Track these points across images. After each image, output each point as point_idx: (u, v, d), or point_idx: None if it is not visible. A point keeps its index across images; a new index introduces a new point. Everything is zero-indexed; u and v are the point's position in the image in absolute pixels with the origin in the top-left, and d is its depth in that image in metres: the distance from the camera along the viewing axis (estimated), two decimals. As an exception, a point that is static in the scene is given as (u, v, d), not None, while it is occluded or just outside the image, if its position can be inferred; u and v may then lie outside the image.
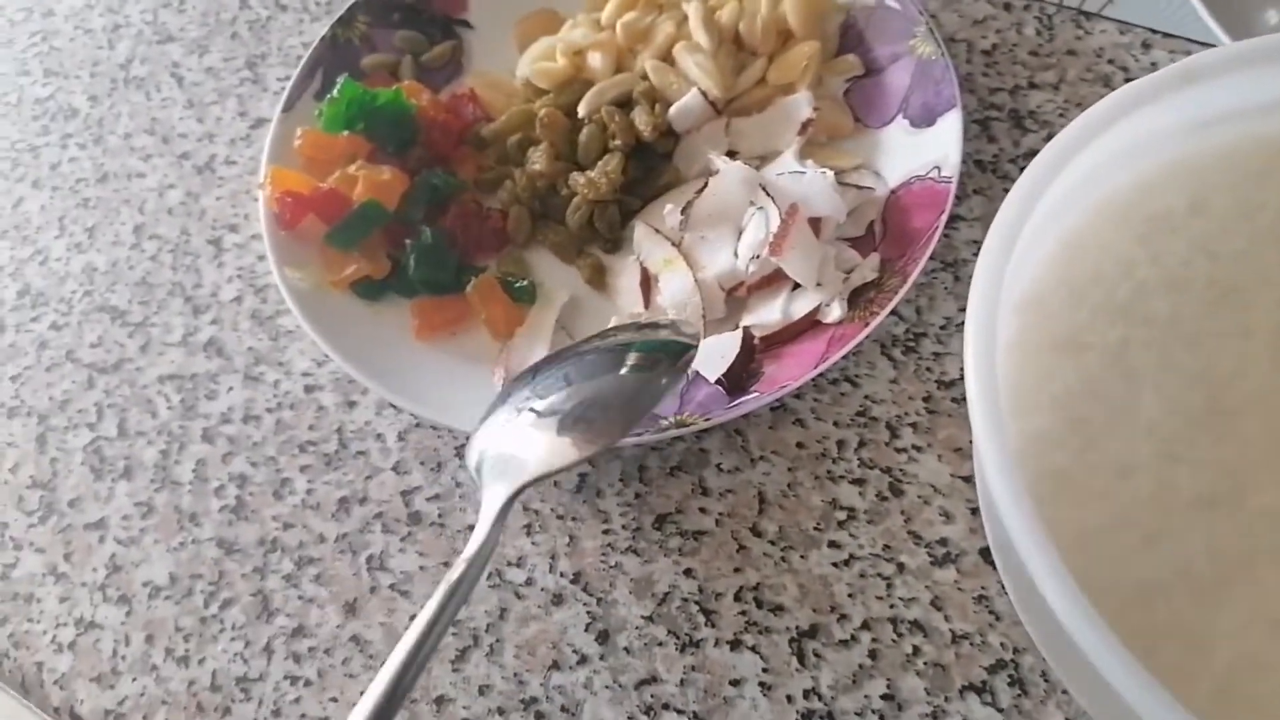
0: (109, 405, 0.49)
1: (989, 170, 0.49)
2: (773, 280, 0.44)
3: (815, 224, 0.44)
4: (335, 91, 0.49)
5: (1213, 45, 0.51)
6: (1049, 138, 0.50)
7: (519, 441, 0.39)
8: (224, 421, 0.48)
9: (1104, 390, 0.34)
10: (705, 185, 0.45)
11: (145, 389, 0.50)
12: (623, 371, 0.39)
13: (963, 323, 0.46)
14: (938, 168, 0.45)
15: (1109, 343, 0.35)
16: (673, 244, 0.46)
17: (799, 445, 0.44)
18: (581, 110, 0.49)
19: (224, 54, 0.60)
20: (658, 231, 0.46)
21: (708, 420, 0.41)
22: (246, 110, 0.57)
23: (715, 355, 0.42)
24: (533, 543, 0.43)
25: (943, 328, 0.46)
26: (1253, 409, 0.33)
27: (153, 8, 0.62)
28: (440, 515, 0.44)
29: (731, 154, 0.49)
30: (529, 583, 0.43)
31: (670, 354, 0.40)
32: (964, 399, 0.44)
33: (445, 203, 0.49)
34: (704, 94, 0.48)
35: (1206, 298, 0.35)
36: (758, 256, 0.43)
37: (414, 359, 0.46)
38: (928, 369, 0.45)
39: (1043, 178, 0.35)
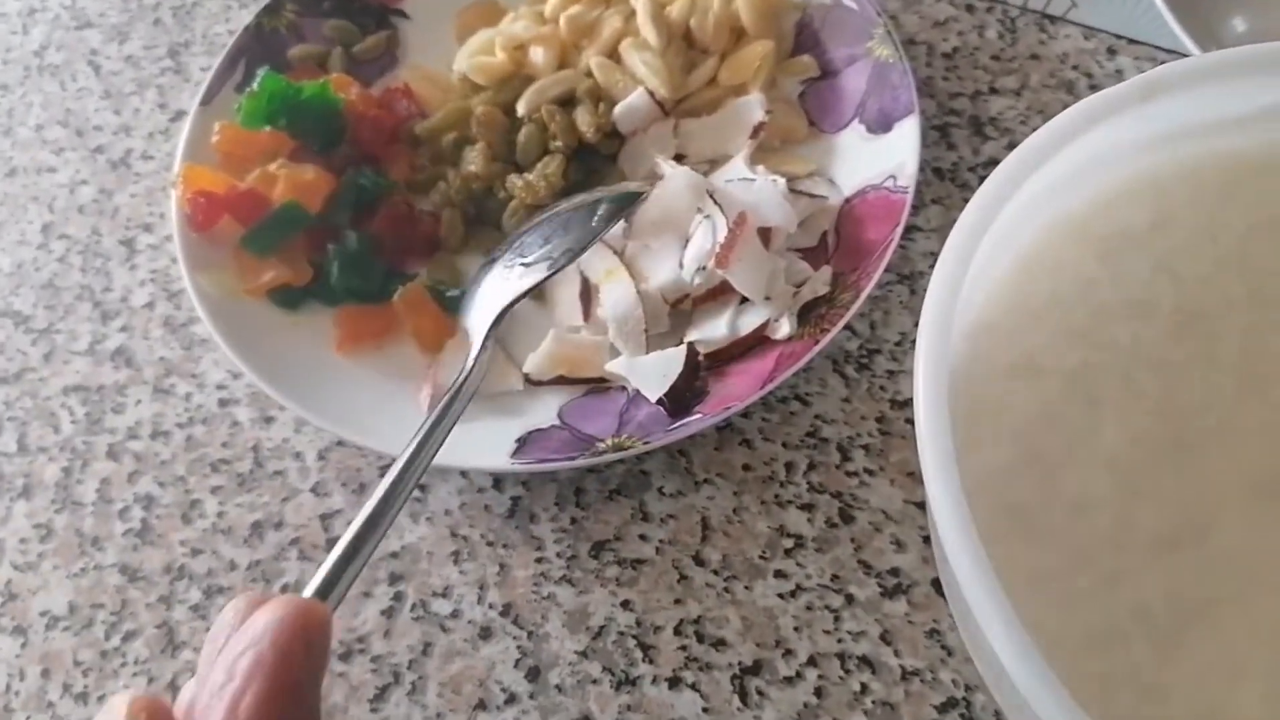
0: (9, 418, 0.46)
1: (947, 179, 0.47)
2: (719, 293, 0.42)
3: (765, 234, 0.42)
4: (255, 84, 0.46)
5: (1179, 53, 0.50)
6: (1010, 145, 0.48)
7: (509, 288, 0.41)
8: (131, 437, 0.45)
9: (1062, 419, 0.32)
10: (650, 189, 0.43)
11: (48, 401, 0.46)
12: (593, 223, 0.42)
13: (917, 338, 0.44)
14: (893, 177, 0.43)
15: (1068, 367, 0.33)
16: (615, 253, 0.43)
17: (745, 467, 0.42)
18: (521, 108, 0.47)
19: (145, 42, 0.56)
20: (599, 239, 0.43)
21: (647, 444, 0.38)
22: (167, 102, 0.54)
23: (657, 373, 0.40)
24: (460, 571, 0.41)
25: (897, 344, 0.44)
26: (1217, 442, 0.32)
27: (71, -9, 0.59)
28: (362, 541, 0.41)
29: (679, 157, 0.47)
30: (455, 615, 0.40)
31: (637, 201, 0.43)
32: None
33: (374, 204, 0.46)
34: (651, 94, 0.46)
35: (1170, 323, 0.33)
36: (704, 268, 0.41)
37: (335, 373, 0.43)
38: (881, 388, 0.43)
39: (999, 194, 0.33)
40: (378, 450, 0.40)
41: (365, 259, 0.44)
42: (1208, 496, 0.31)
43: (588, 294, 0.42)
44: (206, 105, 0.48)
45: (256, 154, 0.46)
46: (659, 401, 0.40)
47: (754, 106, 0.46)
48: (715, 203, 0.41)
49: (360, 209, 0.46)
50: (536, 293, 0.45)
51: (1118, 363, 0.32)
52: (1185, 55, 0.49)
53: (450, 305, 0.44)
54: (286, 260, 0.44)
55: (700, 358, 0.41)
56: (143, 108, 0.54)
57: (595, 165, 0.47)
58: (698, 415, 0.39)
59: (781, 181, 0.42)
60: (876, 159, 0.44)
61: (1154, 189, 0.35)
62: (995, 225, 0.32)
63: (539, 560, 0.40)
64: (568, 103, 0.47)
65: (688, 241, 0.42)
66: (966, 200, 0.46)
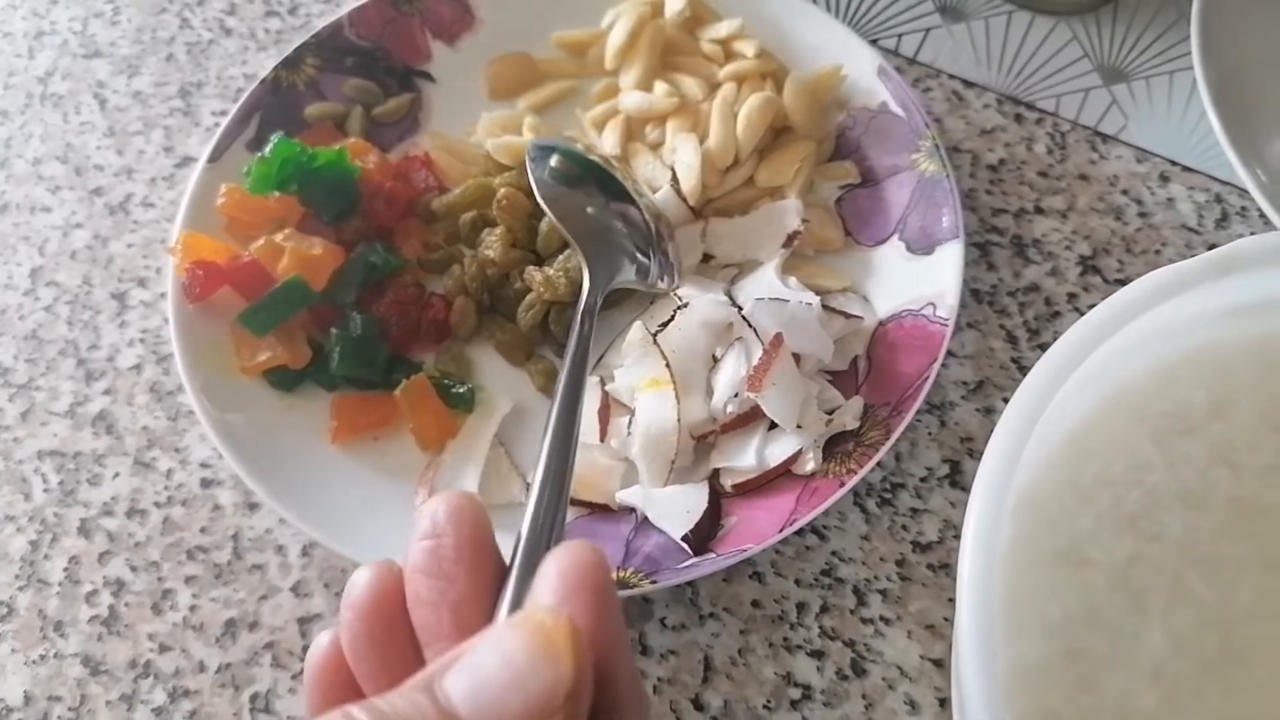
0: (-24, 480, 0.43)
1: (985, 302, 0.45)
2: (748, 419, 0.39)
3: (796, 356, 0.40)
4: (267, 150, 0.44)
5: (1234, 185, 0.48)
6: (1053, 272, 0.46)
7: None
8: (105, 513, 0.42)
9: (1107, 618, 0.30)
10: (673, 316, 0.40)
11: (21, 464, 0.43)
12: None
13: (945, 475, 0.42)
14: (933, 305, 0.41)
15: (1115, 560, 0.31)
16: (665, 363, 0.40)
17: (754, 604, 0.39)
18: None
19: (156, 78, 0.53)
20: (655, 341, 0.40)
21: (654, 583, 0.36)
22: (173, 145, 0.51)
23: (679, 509, 0.37)
24: (444, 695, 0.38)
25: (923, 479, 0.41)
26: (1268, 655, 0.29)
27: (83, 16, 0.56)
28: (341, 652, 0.39)
29: (707, 258, 0.45)
30: (434, 744, 0.37)
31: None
32: (942, 567, 0.40)
33: (382, 284, 0.44)
34: (679, 193, 0.43)
35: (1225, 517, 0.31)
36: (737, 395, 0.38)
37: (325, 466, 0.40)
38: (903, 527, 0.41)
39: (1062, 368, 0.31)
40: (357, 561, 0.37)
41: (369, 344, 0.42)
42: (1255, 715, 0.28)
43: (606, 411, 0.40)
44: (214, 162, 0.45)
45: (264, 221, 0.44)
46: (684, 538, 0.37)
47: (790, 212, 0.44)
48: (750, 325, 0.39)
49: (368, 288, 0.43)
50: (552, 389, 0.42)
51: (1167, 559, 0.30)
52: (1238, 187, 0.48)
53: (455, 401, 0.42)
54: (285, 340, 0.41)
55: (723, 497, 0.39)
56: (147, 150, 0.51)
57: (619, 258, 0.44)
58: (711, 555, 0.37)
59: (816, 304, 0.40)
60: (916, 282, 0.42)
61: (1217, 367, 0.33)
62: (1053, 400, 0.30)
63: (528, 689, 0.38)
64: (594, 192, 0.45)
65: (716, 362, 0.40)
66: (1004, 327, 0.44)
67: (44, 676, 0.39)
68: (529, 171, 0.42)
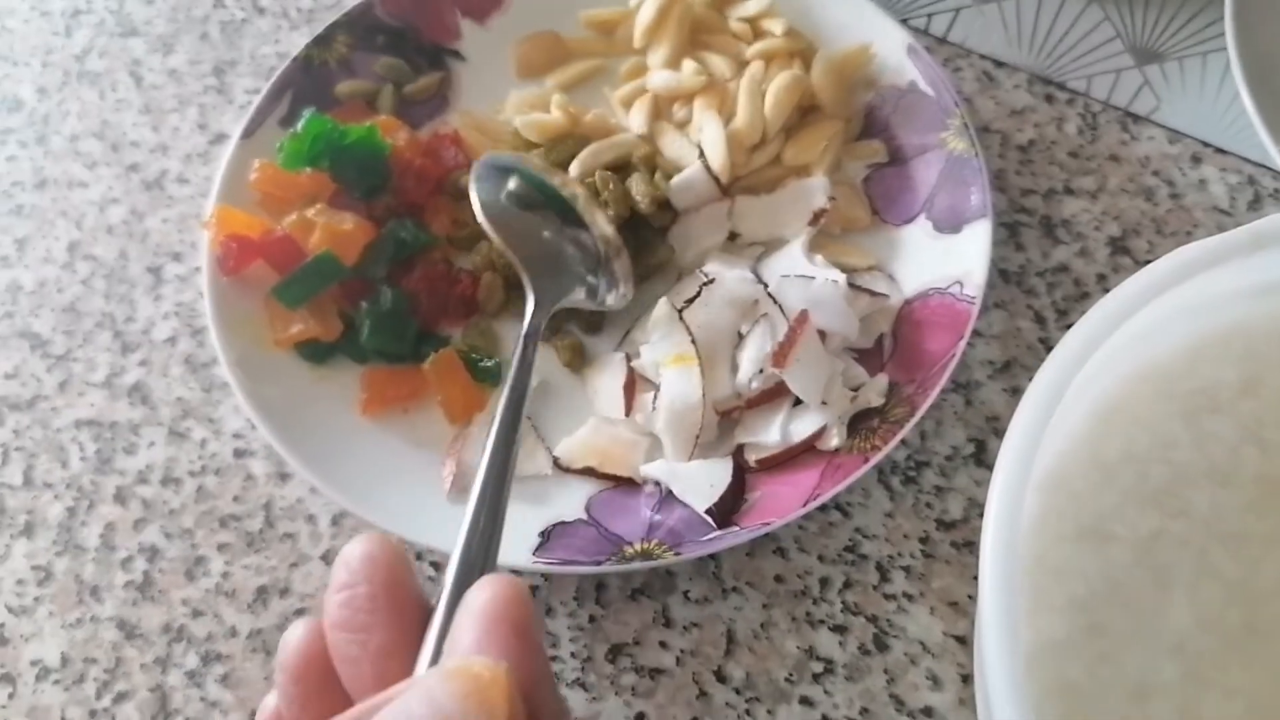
0: (16, 448, 0.44)
1: (1013, 282, 0.45)
2: (773, 395, 0.39)
3: (822, 334, 0.40)
4: (299, 126, 0.44)
5: (1268, 166, 0.47)
6: (1081, 252, 0.46)
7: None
8: (140, 481, 0.43)
9: (1129, 593, 0.30)
10: (699, 292, 0.40)
11: (59, 433, 0.44)
12: None
13: (970, 454, 0.42)
14: (959, 283, 0.41)
15: (1139, 535, 0.31)
16: (691, 338, 0.40)
17: (777, 579, 0.40)
18: (574, 171, 0.45)
19: (190, 56, 0.54)
20: (681, 317, 0.40)
21: (677, 555, 0.36)
22: (207, 123, 0.52)
23: (703, 482, 0.38)
24: (469, 663, 0.39)
25: (949, 458, 0.42)
26: (1294, 632, 0.29)
27: (119, -6, 0.57)
28: (370, 619, 0.40)
29: (733, 236, 0.45)
30: (460, 711, 0.38)
31: None
32: (966, 544, 0.40)
33: (411, 259, 0.44)
34: (709, 170, 0.44)
35: (1252, 494, 0.31)
36: (762, 370, 0.39)
37: (356, 437, 0.41)
38: (927, 505, 0.41)
39: (1089, 342, 0.31)
40: (385, 529, 0.38)
41: (399, 318, 0.42)
42: (1277, 690, 0.28)
43: (632, 386, 0.40)
44: (247, 139, 0.46)
45: (296, 196, 0.44)
46: (708, 511, 0.38)
47: (817, 191, 0.44)
48: (775, 302, 0.39)
49: (398, 263, 0.44)
50: (578, 364, 0.43)
51: (1193, 534, 0.30)
52: (1271, 169, 0.47)
53: (482, 375, 0.42)
54: (316, 313, 0.42)
55: (747, 472, 0.39)
56: (182, 127, 0.52)
57: (647, 237, 0.45)
58: (734, 528, 0.37)
59: (842, 281, 0.40)
60: (942, 260, 0.42)
61: (1245, 345, 0.33)
62: (1079, 375, 0.30)
63: (552, 659, 0.38)
64: (622, 168, 0.45)
65: (741, 339, 0.40)
66: (1031, 307, 0.44)
67: (80, 639, 0.40)
68: (471, 191, 0.41)
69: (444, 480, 0.40)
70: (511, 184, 0.43)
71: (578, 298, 0.41)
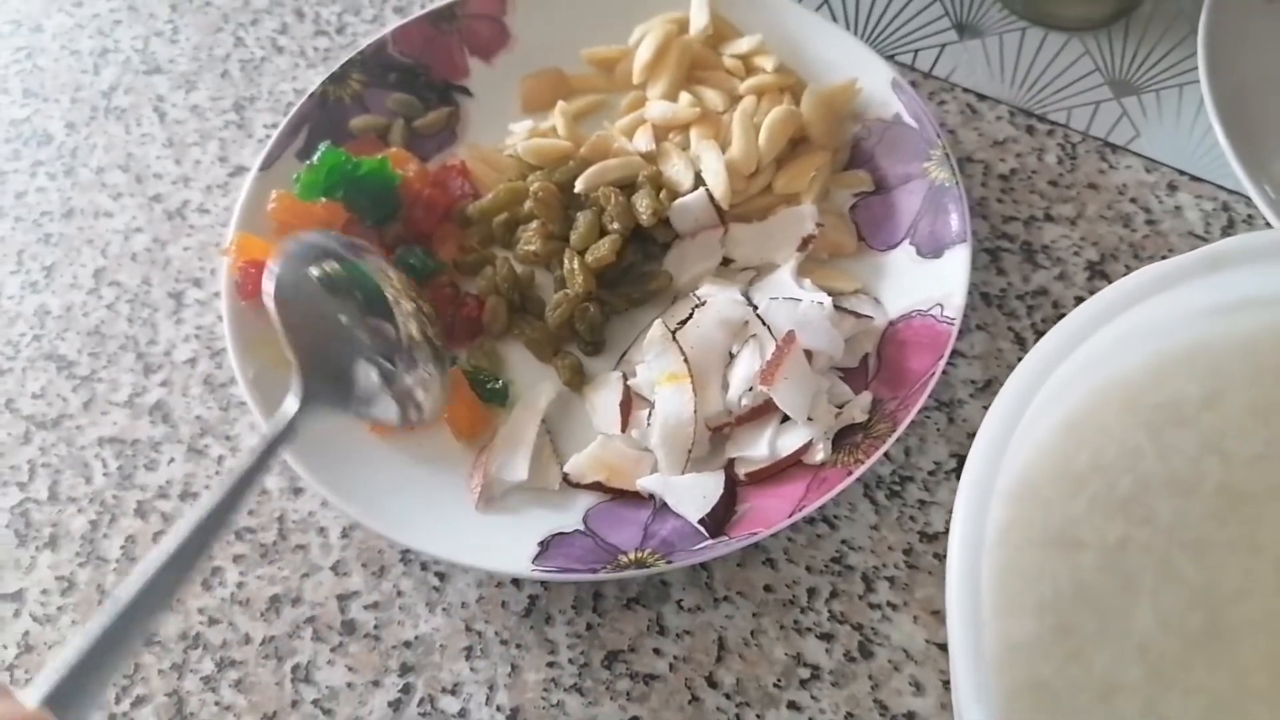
0: (43, 464, 0.46)
1: (994, 305, 0.47)
2: (761, 412, 0.41)
3: (809, 353, 0.42)
4: (315, 158, 0.47)
5: (1240, 194, 0.49)
6: (1060, 276, 0.47)
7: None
8: (160, 496, 0.45)
9: (1097, 597, 0.31)
10: (692, 314, 0.42)
11: (83, 450, 0.47)
12: None
13: (952, 469, 0.43)
14: (940, 305, 0.43)
15: (1106, 542, 0.32)
16: (684, 358, 0.42)
17: (767, 588, 0.41)
18: (579, 186, 0.47)
19: (211, 92, 0.57)
20: (675, 338, 0.42)
21: (669, 564, 0.38)
22: (227, 156, 0.55)
23: (695, 494, 0.39)
24: (471, 668, 0.40)
25: (931, 473, 0.43)
26: (1253, 634, 0.31)
27: (145, 35, 0.60)
28: (376, 626, 0.41)
29: (726, 261, 0.47)
30: (462, 714, 0.39)
31: None
32: (946, 556, 0.42)
33: (420, 284, 0.46)
34: (710, 196, 0.46)
35: (1214, 504, 0.33)
36: (751, 388, 0.41)
37: (367, 454, 0.43)
38: (911, 518, 0.42)
39: (1054, 356, 0.32)
40: (394, 540, 0.40)
41: (407, 341, 0.44)
42: (1239, 690, 0.30)
43: (628, 404, 0.42)
44: (265, 170, 0.48)
45: (311, 224, 0.46)
46: (700, 521, 0.39)
47: (806, 218, 0.46)
48: (764, 323, 0.41)
49: (406, 288, 0.46)
50: (578, 384, 0.45)
51: (1157, 541, 0.32)
52: (1245, 196, 0.49)
53: (488, 395, 0.44)
54: (329, 335, 0.44)
55: (737, 484, 0.41)
56: (203, 160, 0.55)
57: (650, 250, 0.47)
58: (723, 538, 0.39)
59: (828, 303, 0.42)
60: (924, 284, 0.44)
61: (1209, 361, 0.34)
62: (1045, 387, 0.32)
63: (551, 665, 0.40)
64: (626, 187, 0.47)
65: (732, 359, 0.42)
66: (1012, 329, 0.46)
67: (102, 646, 0.42)
68: (269, 269, 0.37)
69: (472, 492, 0.42)
70: (323, 266, 0.39)
71: (357, 409, 0.38)
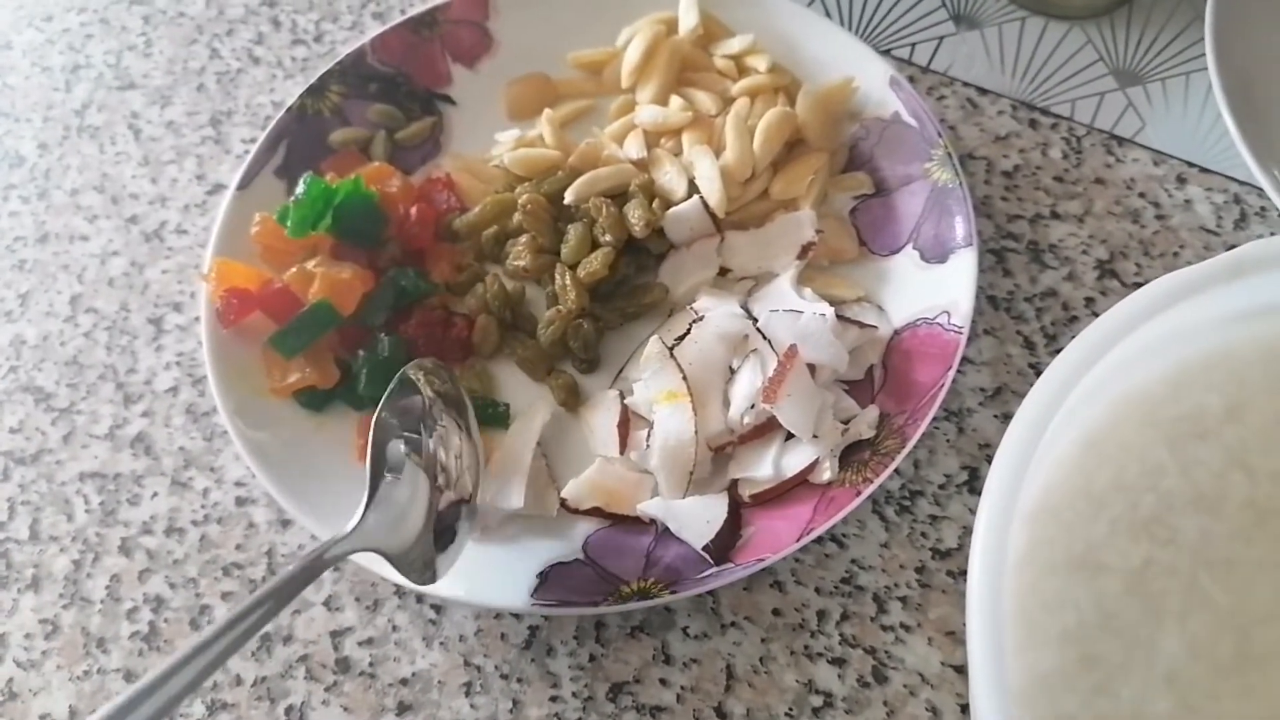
0: (22, 502, 0.45)
1: (1002, 308, 0.45)
2: (765, 430, 0.40)
3: (812, 367, 0.40)
4: (300, 192, 0.45)
5: (1252, 184, 0.47)
6: (1070, 276, 0.46)
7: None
8: (144, 532, 0.44)
9: (1122, 623, 0.30)
10: (689, 329, 0.41)
11: (64, 486, 0.45)
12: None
13: (964, 482, 0.42)
14: (947, 313, 0.41)
15: (1130, 565, 0.31)
16: (682, 375, 0.40)
17: (775, 613, 0.40)
18: (569, 197, 0.45)
19: (187, 107, 0.55)
20: (672, 355, 0.41)
21: (674, 594, 0.37)
22: (205, 174, 0.53)
23: (699, 519, 0.38)
24: (471, 705, 0.39)
25: (941, 487, 0.42)
26: (1287, 657, 0.29)
27: (117, 49, 0.58)
28: (371, 664, 0.40)
29: (723, 271, 0.45)
30: (464, 754, 0.38)
31: None
32: (961, 573, 0.40)
33: (410, 306, 0.45)
34: (705, 204, 0.44)
35: (1240, 521, 0.31)
36: (753, 406, 0.39)
37: (355, 484, 0.41)
38: (922, 534, 0.41)
39: (1074, 371, 0.31)
40: (384, 574, 0.38)
41: (396, 365, 0.42)
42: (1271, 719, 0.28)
43: (626, 425, 0.41)
44: (244, 189, 0.47)
45: (297, 249, 0.45)
46: (704, 548, 0.38)
47: (804, 224, 0.44)
48: (764, 337, 0.39)
49: (397, 310, 0.44)
50: (573, 403, 0.43)
51: (1183, 563, 0.30)
52: (1257, 187, 0.47)
53: (490, 420, 0.43)
54: (314, 361, 0.43)
55: (742, 507, 0.39)
56: (180, 178, 0.53)
57: (644, 262, 0.45)
58: (729, 564, 0.37)
59: (830, 314, 0.40)
60: (930, 290, 0.43)
61: (1230, 370, 0.33)
62: (1064, 404, 0.31)
63: (554, 699, 0.39)
64: (617, 196, 0.45)
65: (733, 374, 0.41)
66: (1020, 333, 0.45)
67: (88, 692, 0.41)
68: (388, 395, 0.37)
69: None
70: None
71: (387, 547, 0.35)
